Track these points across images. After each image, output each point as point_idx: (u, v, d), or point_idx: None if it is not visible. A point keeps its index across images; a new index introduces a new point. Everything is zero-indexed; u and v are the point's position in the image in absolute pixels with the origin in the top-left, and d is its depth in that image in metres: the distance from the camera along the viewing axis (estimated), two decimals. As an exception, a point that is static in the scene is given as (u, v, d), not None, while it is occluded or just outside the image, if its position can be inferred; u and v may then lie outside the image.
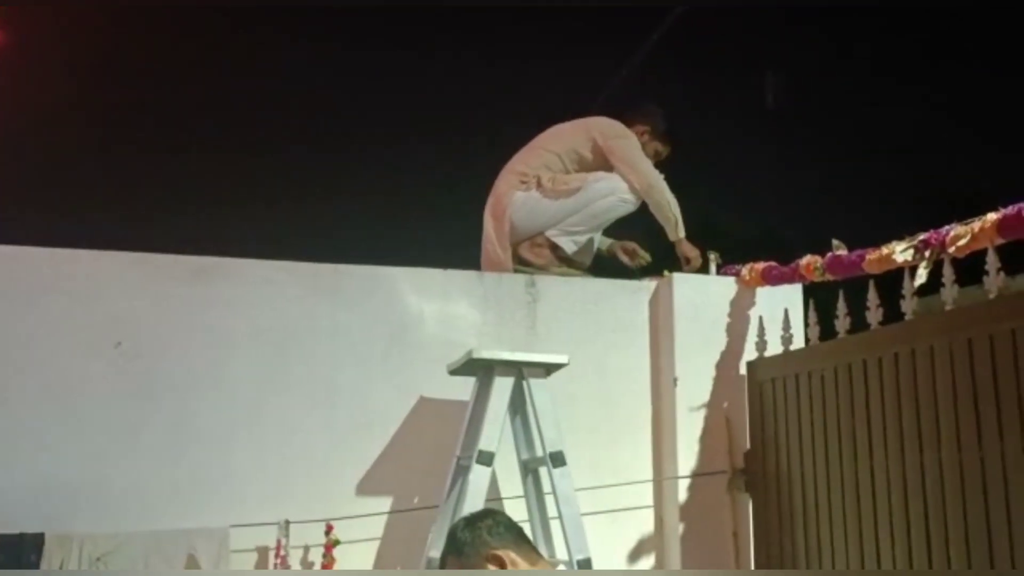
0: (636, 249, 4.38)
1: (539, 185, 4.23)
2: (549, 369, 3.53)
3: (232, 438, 3.52)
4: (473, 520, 2.51)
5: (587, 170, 4.29)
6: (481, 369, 3.51)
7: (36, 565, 3.14)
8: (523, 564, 2.41)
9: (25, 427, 3.36)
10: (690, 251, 4.17)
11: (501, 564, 2.40)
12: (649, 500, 3.83)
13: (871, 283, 3.31)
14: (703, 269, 4.13)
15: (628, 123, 4.37)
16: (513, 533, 2.46)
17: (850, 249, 3.49)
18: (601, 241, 4.46)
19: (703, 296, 3.96)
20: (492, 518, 2.50)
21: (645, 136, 4.40)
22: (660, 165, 4.37)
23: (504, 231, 4.23)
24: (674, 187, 4.29)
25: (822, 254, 3.60)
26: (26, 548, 3.15)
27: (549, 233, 4.24)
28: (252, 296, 3.64)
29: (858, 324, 3.38)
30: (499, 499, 3.66)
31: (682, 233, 4.19)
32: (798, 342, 3.73)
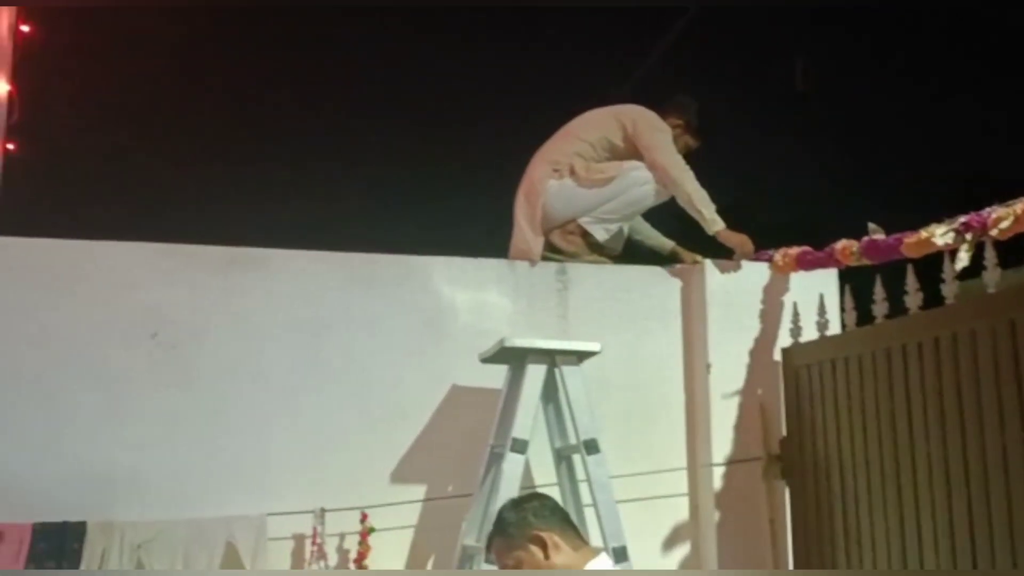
0: (696, 259, 4.20)
1: (573, 173, 4.21)
2: (581, 356, 3.52)
3: (268, 427, 3.54)
4: (520, 502, 2.55)
5: (618, 158, 4.26)
6: (514, 357, 3.50)
7: (79, 553, 3.18)
8: (565, 547, 2.43)
9: (66, 417, 3.39)
10: (733, 239, 4.09)
11: (543, 545, 2.42)
12: (684, 487, 3.82)
13: (909, 267, 3.27)
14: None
15: (662, 115, 4.32)
16: (559, 517, 2.48)
17: (887, 233, 3.44)
18: (662, 245, 4.41)
19: (735, 282, 3.93)
20: (539, 501, 2.53)
21: (677, 129, 4.35)
22: (688, 155, 4.34)
23: (536, 219, 4.21)
24: (704, 172, 4.25)
25: (858, 238, 3.56)
26: (69, 536, 3.19)
27: (582, 221, 4.21)
28: (287, 286, 3.66)
29: (895, 309, 3.34)
30: (533, 487, 3.65)
31: (718, 226, 4.11)
32: (834, 328, 3.70)
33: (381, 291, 3.72)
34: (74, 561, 3.17)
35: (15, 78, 4.03)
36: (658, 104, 4.38)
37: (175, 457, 3.44)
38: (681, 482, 3.82)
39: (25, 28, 4.11)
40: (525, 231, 4.22)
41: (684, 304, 3.99)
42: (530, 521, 2.45)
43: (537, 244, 4.17)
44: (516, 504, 2.54)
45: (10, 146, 4.08)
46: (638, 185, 4.18)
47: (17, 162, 4.11)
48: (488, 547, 2.60)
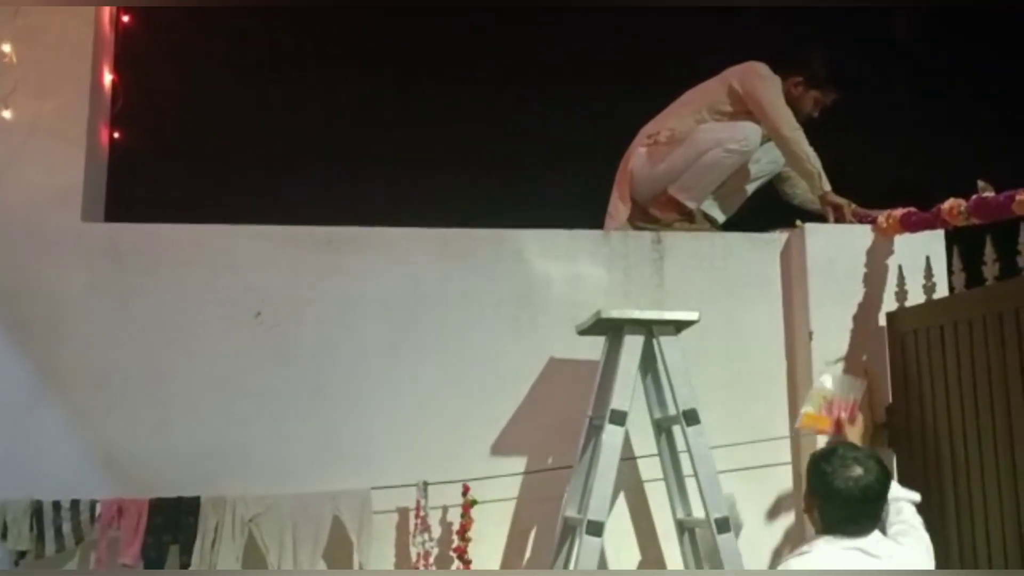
0: (843, 208, 4.00)
1: (655, 143, 4.18)
2: (679, 326, 3.48)
3: (369, 402, 3.62)
4: (831, 457, 2.66)
5: None
6: (610, 328, 3.49)
7: (193, 527, 3.31)
8: (816, 521, 2.65)
9: (178, 396, 3.54)
10: (840, 201, 4.00)
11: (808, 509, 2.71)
12: (787, 457, 3.76)
13: (1022, 226, 3.12)
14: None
15: (783, 75, 4.18)
16: (839, 497, 2.57)
17: (997, 191, 3.30)
18: (796, 194, 4.28)
19: (837, 247, 3.82)
20: (841, 469, 2.60)
21: (800, 87, 4.21)
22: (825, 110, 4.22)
23: (624, 187, 4.21)
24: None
25: (966, 197, 3.42)
26: (183, 511, 3.33)
27: (671, 190, 4.17)
28: (383, 263, 3.72)
29: (1007, 270, 3.21)
30: (633, 458, 3.66)
31: (827, 186, 4.01)
32: (941, 291, 3.58)
33: (475, 265, 3.75)
34: (189, 534, 3.30)
35: (118, 67, 4.16)
36: (777, 64, 4.23)
37: (280, 433, 3.55)
38: (784, 452, 3.76)
39: (126, 18, 4.24)
40: (615, 199, 4.23)
41: (784, 270, 3.90)
42: (812, 477, 2.66)
43: (622, 212, 4.16)
44: (827, 456, 2.65)
45: (115, 134, 4.21)
46: (708, 148, 4.08)
47: (122, 150, 4.24)
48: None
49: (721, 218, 4.37)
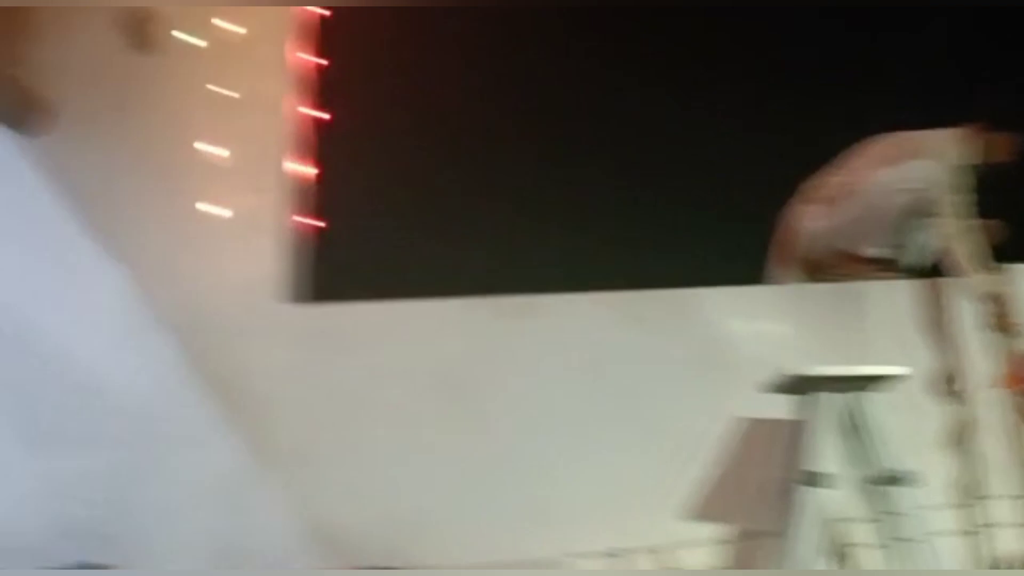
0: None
1: (824, 197, 4.05)
2: (882, 381, 3.27)
3: (558, 470, 3.63)
4: None
5: None
6: (805, 386, 3.33)
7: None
8: None
9: (371, 466, 3.67)
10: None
11: None
12: (1014, 517, 3.42)
13: None
14: None
15: (966, 122, 3.98)
16: None
17: None
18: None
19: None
20: None
21: (986, 131, 3.98)
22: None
23: (785, 250, 4.09)
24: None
25: None
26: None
27: (848, 242, 3.99)
28: (565, 329, 3.77)
29: None
30: (839, 520, 3.44)
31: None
32: None
33: (656, 327, 3.74)
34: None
35: (318, 160, 4.47)
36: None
37: (471, 501, 3.61)
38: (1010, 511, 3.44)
39: (327, 116, 4.56)
40: (773, 266, 4.12)
41: (990, 316, 3.61)
42: None
43: (786, 271, 4.04)
44: None
45: (320, 223, 4.50)
46: (881, 194, 3.88)
47: (325, 236, 4.52)
48: None
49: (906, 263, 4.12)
